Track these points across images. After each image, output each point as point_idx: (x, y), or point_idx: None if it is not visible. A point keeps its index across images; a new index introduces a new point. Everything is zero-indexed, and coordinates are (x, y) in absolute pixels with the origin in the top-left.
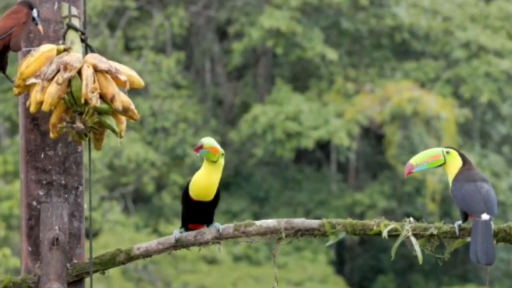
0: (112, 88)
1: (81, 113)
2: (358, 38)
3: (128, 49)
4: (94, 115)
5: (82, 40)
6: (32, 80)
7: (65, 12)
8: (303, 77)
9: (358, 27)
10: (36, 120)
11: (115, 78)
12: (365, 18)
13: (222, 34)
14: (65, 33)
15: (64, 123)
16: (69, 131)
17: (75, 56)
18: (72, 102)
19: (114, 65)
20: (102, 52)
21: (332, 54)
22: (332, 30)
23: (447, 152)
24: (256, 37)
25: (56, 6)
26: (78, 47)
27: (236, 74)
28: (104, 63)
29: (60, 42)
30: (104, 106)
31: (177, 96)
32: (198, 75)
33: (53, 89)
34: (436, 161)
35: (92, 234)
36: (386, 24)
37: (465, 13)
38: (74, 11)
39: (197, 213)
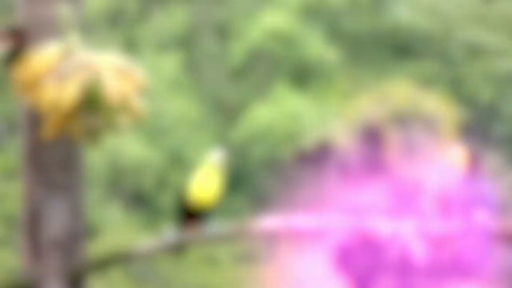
0: (110, 87)
1: (80, 112)
2: (358, 38)
3: (128, 49)
4: (92, 114)
5: (79, 40)
6: (30, 79)
7: (62, 12)
8: (303, 77)
9: (358, 27)
10: (36, 120)
11: (114, 78)
12: (365, 18)
13: (222, 34)
14: (62, 32)
15: (64, 122)
16: (68, 130)
17: (76, 55)
18: (72, 101)
19: (114, 64)
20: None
21: (332, 54)
22: (332, 30)
23: None
24: (256, 37)
25: (56, 6)
26: (75, 46)
27: (236, 74)
28: (103, 62)
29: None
30: (103, 105)
31: (177, 96)
32: (198, 75)
33: (52, 88)
34: None
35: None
36: (386, 24)
37: (465, 13)
38: (72, 10)
39: (194, 219)
